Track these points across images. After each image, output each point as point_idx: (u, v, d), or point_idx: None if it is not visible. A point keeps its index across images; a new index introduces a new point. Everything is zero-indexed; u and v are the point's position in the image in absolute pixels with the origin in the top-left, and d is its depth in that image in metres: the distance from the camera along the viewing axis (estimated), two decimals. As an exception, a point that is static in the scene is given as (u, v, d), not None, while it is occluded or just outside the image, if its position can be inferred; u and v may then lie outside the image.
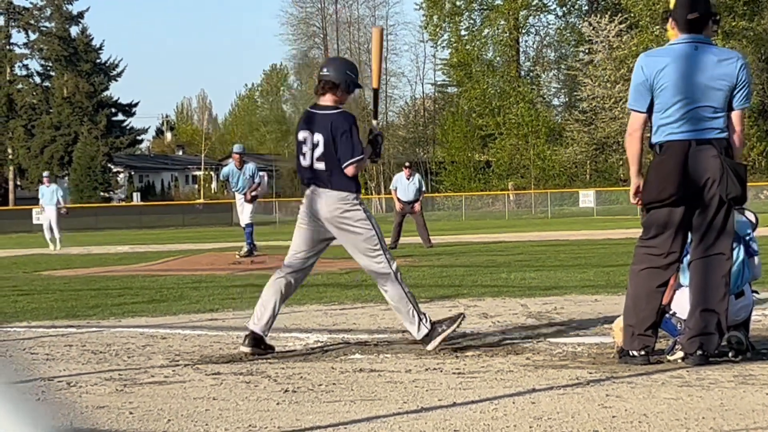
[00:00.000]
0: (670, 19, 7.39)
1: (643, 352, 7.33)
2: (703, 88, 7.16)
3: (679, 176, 7.13)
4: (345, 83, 8.41)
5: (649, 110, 7.29)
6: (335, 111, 8.38)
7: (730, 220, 7.27)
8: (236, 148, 22.97)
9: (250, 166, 22.48)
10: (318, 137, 8.32)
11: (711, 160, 7.13)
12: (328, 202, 8.30)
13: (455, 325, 8.26)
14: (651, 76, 7.23)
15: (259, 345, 8.27)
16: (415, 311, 8.24)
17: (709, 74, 7.17)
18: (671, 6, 7.42)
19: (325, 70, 8.46)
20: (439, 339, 8.21)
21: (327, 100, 8.43)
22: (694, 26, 7.28)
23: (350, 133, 8.28)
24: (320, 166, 8.33)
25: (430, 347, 8.22)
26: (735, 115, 7.27)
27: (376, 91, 8.68)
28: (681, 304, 7.59)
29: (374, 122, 8.65)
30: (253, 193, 22.23)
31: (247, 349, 8.23)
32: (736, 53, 7.51)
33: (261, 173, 22.89)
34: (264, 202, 66.41)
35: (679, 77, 7.17)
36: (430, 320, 8.29)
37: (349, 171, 8.27)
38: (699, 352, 7.18)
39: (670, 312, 7.66)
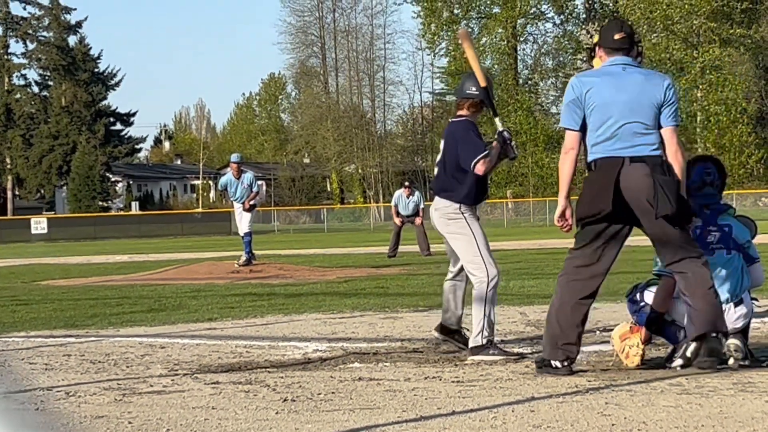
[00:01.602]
0: (597, 49, 7.58)
1: (566, 363, 7.35)
2: (632, 105, 7.28)
3: (610, 191, 7.19)
4: (487, 98, 8.63)
5: (583, 129, 7.36)
6: (458, 119, 8.66)
7: (681, 230, 7.26)
8: (234, 157, 22.97)
9: (248, 176, 22.48)
10: (441, 144, 8.69)
11: (643, 178, 7.18)
12: (437, 207, 8.63)
13: (502, 357, 8.23)
14: (581, 94, 7.34)
15: (448, 334, 8.82)
16: (484, 322, 8.32)
17: (637, 91, 7.30)
18: (594, 42, 7.64)
19: (473, 89, 8.60)
20: (483, 357, 8.24)
21: (462, 112, 8.68)
22: (621, 48, 7.43)
23: (468, 135, 8.48)
24: (436, 171, 8.73)
25: (471, 358, 8.29)
26: (665, 132, 7.34)
27: (485, 89, 8.61)
28: (680, 311, 7.59)
29: (497, 120, 8.56)
30: (252, 202, 22.23)
31: (436, 334, 8.87)
32: (663, 75, 7.66)
33: (259, 182, 22.91)
34: (262, 210, 66.47)
35: (607, 95, 7.30)
36: (491, 340, 8.34)
37: (479, 169, 8.35)
38: (714, 335, 7.18)
39: (669, 319, 7.66)
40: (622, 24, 7.59)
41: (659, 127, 7.31)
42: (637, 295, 7.89)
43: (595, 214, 7.25)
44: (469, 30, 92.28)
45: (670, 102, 7.34)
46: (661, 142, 7.32)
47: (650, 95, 7.29)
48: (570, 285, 7.42)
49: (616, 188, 7.18)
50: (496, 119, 8.56)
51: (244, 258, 21.78)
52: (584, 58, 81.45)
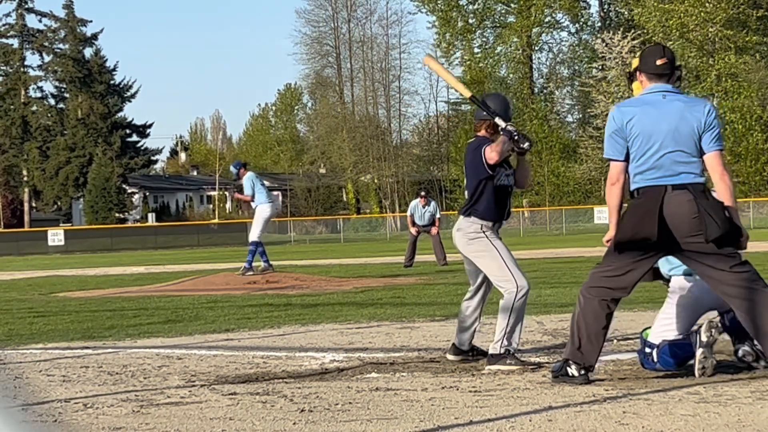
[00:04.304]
0: (638, 74, 7.53)
1: (582, 372, 7.33)
2: (672, 134, 7.24)
3: (655, 218, 7.16)
4: (483, 105, 8.64)
5: (627, 159, 7.36)
6: (473, 140, 8.70)
7: (729, 254, 7.22)
8: (233, 168, 22.83)
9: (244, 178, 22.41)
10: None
11: (686, 204, 7.15)
12: (459, 228, 8.65)
13: (520, 367, 8.22)
14: (622, 125, 7.34)
15: (461, 354, 8.80)
16: (506, 332, 8.35)
17: (677, 120, 7.26)
18: (634, 66, 7.58)
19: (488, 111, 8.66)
20: (500, 367, 8.25)
21: (480, 134, 8.70)
22: (663, 74, 7.40)
23: (482, 145, 8.48)
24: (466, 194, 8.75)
25: (488, 366, 8.31)
26: (709, 158, 7.29)
27: (473, 99, 8.71)
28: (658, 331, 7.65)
29: (497, 120, 8.50)
30: (240, 197, 22.56)
31: (451, 357, 8.82)
32: (704, 100, 7.64)
33: (275, 192, 22.91)
34: (279, 221, 66.54)
35: (648, 125, 7.28)
36: (509, 349, 8.33)
37: (489, 157, 8.33)
38: None
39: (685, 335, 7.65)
40: (664, 49, 7.53)
41: (702, 153, 7.26)
42: (646, 348, 7.79)
43: (637, 241, 7.23)
44: (485, 39, 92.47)
45: (711, 127, 7.27)
46: (704, 170, 7.29)
47: (691, 123, 7.24)
48: (592, 291, 7.41)
49: (660, 215, 7.16)
50: (496, 119, 8.50)
51: (261, 265, 21.76)
52: (599, 67, 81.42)
